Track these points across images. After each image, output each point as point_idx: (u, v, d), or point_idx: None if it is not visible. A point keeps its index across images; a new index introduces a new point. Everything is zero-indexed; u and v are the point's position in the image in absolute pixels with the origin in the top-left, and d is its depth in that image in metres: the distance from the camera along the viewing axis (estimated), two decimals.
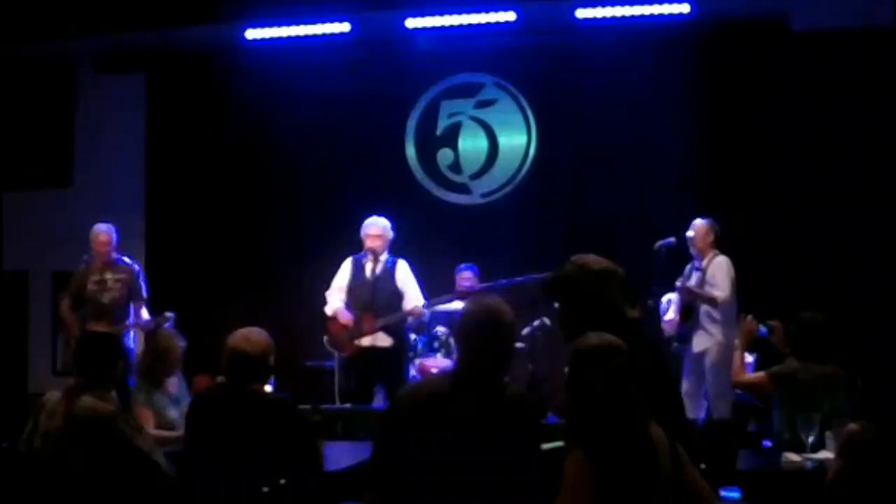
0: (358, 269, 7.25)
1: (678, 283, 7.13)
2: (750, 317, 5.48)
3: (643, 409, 2.85)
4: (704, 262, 7.08)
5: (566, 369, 2.93)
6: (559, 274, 3.51)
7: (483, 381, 3.26)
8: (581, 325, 3.28)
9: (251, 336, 4.05)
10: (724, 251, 7.18)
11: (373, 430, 3.48)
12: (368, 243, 7.20)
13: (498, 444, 3.14)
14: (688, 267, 7.26)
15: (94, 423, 4.28)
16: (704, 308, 7.02)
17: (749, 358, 7.02)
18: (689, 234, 7.13)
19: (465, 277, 7.93)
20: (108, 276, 7.61)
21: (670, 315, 7.26)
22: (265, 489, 3.93)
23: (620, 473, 2.76)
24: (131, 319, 7.64)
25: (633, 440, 2.79)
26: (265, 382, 4.12)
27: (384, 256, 7.23)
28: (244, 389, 4.01)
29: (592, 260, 3.55)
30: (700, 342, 7.04)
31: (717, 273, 7.04)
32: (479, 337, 3.28)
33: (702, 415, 7.00)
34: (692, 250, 7.16)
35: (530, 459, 3.12)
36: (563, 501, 2.79)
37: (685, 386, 7.04)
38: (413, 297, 7.23)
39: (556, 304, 3.57)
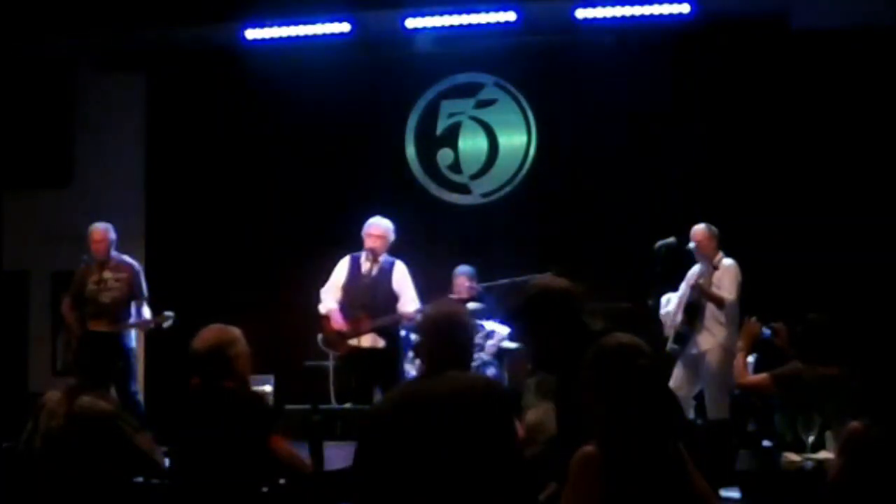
0: (355, 268, 7.23)
1: (692, 282, 7.07)
2: (753, 319, 5.47)
3: (664, 410, 2.86)
4: (711, 265, 7.07)
5: (587, 367, 2.92)
6: (526, 298, 3.55)
7: (448, 375, 3.39)
8: (552, 345, 3.36)
9: (203, 334, 4.06)
10: (724, 252, 7.18)
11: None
12: (369, 243, 7.17)
13: (470, 429, 3.26)
14: (695, 269, 7.20)
15: (95, 423, 4.28)
16: (711, 309, 7.01)
17: (749, 358, 7.03)
18: (692, 244, 7.07)
19: (464, 278, 7.91)
20: (108, 275, 7.61)
21: (670, 308, 7.21)
22: (265, 489, 3.93)
23: (634, 472, 2.76)
24: (132, 319, 7.65)
25: (651, 440, 2.79)
26: (232, 376, 4.05)
27: (382, 257, 7.22)
28: (211, 387, 4.00)
29: (550, 280, 3.65)
30: (702, 343, 7.01)
31: (725, 276, 7.02)
32: (439, 341, 3.47)
33: (691, 415, 6.99)
34: (699, 257, 7.12)
35: (502, 438, 3.28)
36: (569, 495, 2.79)
37: (674, 386, 7.01)
38: (408, 299, 7.20)
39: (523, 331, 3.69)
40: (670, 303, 7.25)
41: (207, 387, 4.00)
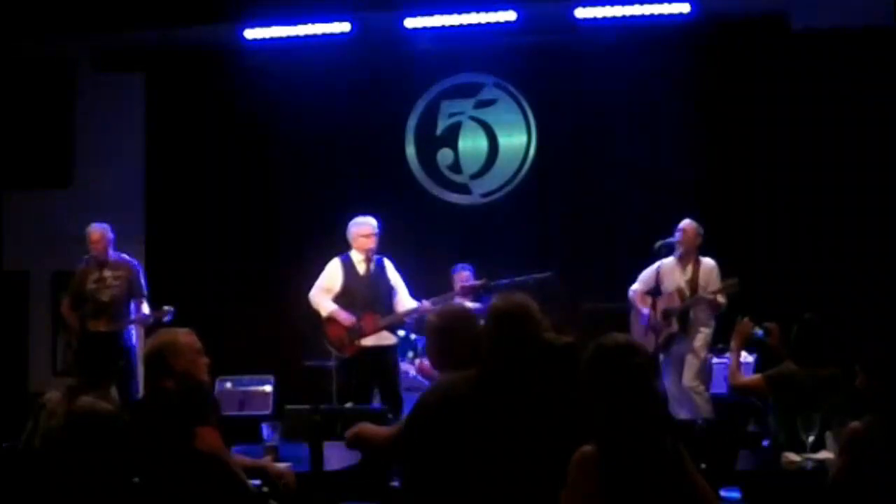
0: (350, 269, 7.22)
1: (677, 284, 7.09)
2: (746, 318, 5.46)
3: (660, 409, 2.86)
4: (690, 264, 7.11)
5: (586, 367, 2.92)
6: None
7: (514, 380, 3.24)
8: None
9: (148, 340, 4.10)
10: (722, 251, 7.20)
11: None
12: (368, 244, 7.16)
13: (530, 445, 3.15)
14: (668, 261, 7.19)
15: (95, 422, 4.28)
16: (697, 311, 7.05)
17: (749, 358, 7.05)
18: (678, 234, 7.10)
19: (464, 277, 7.93)
20: (108, 273, 7.62)
21: (642, 306, 7.20)
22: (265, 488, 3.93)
23: (632, 470, 2.76)
24: (132, 316, 7.64)
25: (648, 438, 2.80)
26: (171, 376, 4.03)
27: (373, 255, 7.24)
28: (151, 388, 4.03)
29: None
30: (692, 343, 7.06)
31: (712, 276, 7.09)
32: (508, 334, 3.26)
33: (691, 414, 7.01)
34: (680, 250, 7.14)
35: (563, 459, 3.09)
36: (568, 496, 2.80)
37: (668, 387, 7.04)
38: (404, 294, 7.24)
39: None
40: (634, 298, 7.24)
41: (149, 388, 4.04)
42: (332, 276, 7.23)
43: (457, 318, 3.65)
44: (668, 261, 7.15)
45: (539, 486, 3.09)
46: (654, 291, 7.03)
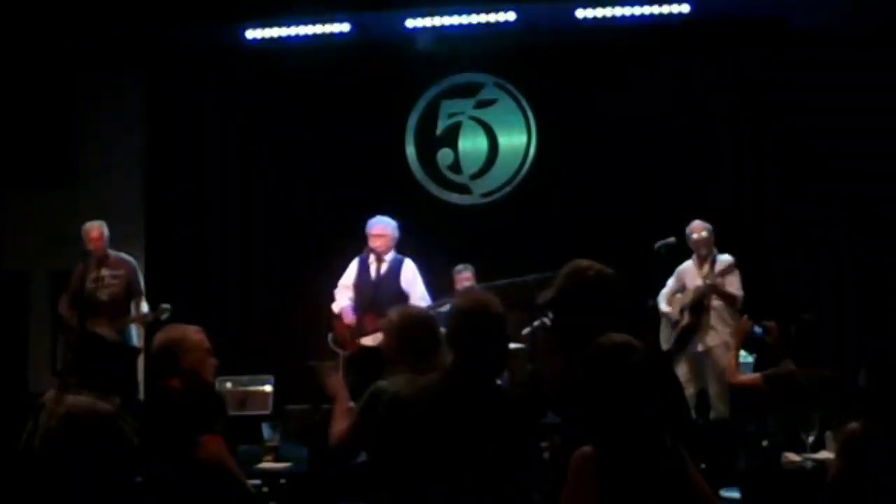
0: (363, 268, 7.25)
1: (696, 281, 7.11)
2: (745, 317, 5.47)
3: (659, 408, 2.86)
4: (707, 262, 7.12)
5: (583, 366, 2.92)
6: (569, 283, 3.39)
7: (479, 379, 3.26)
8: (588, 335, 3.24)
9: (157, 335, 4.01)
10: (722, 251, 7.20)
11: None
12: (371, 243, 7.19)
13: (497, 445, 3.15)
14: (687, 265, 7.21)
15: (94, 423, 4.27)
16: (716, 307, 7.03)
17: (749, 358, 7.05)
18: (696, 237, 7.12)
19: (464, 278, 7.93)
20: (106, 272, 7.61)
21: (664, 307, 7.22)
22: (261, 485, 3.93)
23: (631, 471, 2.76)
24: (131, 315, 7.63)
25: (646, 438, 2.80)
26: (178, 374, 3.96)
27: (390, 256, 7.23)
28: (156, 387, 3.97)
29: (598, 266, 3.48)
30: (708, 341, 7.03)
31: (729, 272, 7.06)
32: (470, 332, 3.29)
33: (694, 415, 6.99)
34: (703, 252, 7.14)
35: (529, 459, 3.11)
36: (568, 495, 2.80)
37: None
38: (417, 298, 7.19)
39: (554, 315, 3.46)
40: (661, 302, 7.27)
41: (153, 386, 3.97)
42: (348, 272, 7.33)
43: (413, 318, 3.76)
44: (688, 263, 7.20)
45: (502, 487, 3.11)
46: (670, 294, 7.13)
